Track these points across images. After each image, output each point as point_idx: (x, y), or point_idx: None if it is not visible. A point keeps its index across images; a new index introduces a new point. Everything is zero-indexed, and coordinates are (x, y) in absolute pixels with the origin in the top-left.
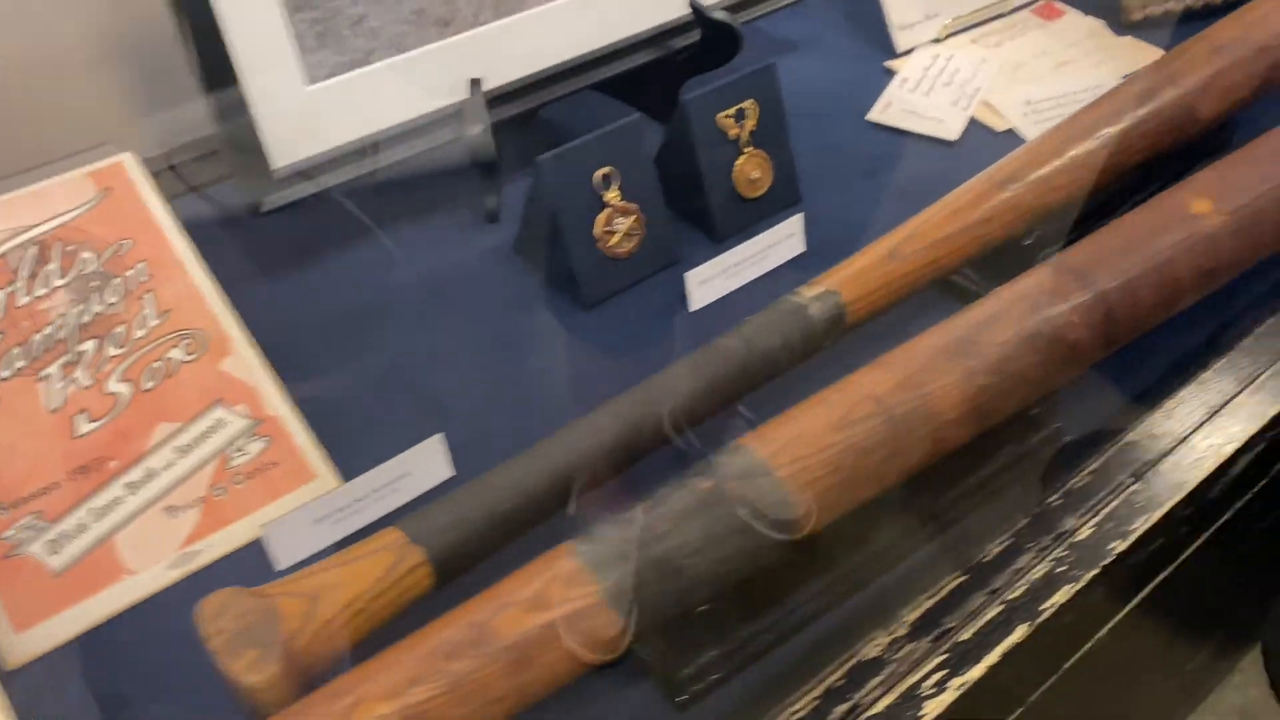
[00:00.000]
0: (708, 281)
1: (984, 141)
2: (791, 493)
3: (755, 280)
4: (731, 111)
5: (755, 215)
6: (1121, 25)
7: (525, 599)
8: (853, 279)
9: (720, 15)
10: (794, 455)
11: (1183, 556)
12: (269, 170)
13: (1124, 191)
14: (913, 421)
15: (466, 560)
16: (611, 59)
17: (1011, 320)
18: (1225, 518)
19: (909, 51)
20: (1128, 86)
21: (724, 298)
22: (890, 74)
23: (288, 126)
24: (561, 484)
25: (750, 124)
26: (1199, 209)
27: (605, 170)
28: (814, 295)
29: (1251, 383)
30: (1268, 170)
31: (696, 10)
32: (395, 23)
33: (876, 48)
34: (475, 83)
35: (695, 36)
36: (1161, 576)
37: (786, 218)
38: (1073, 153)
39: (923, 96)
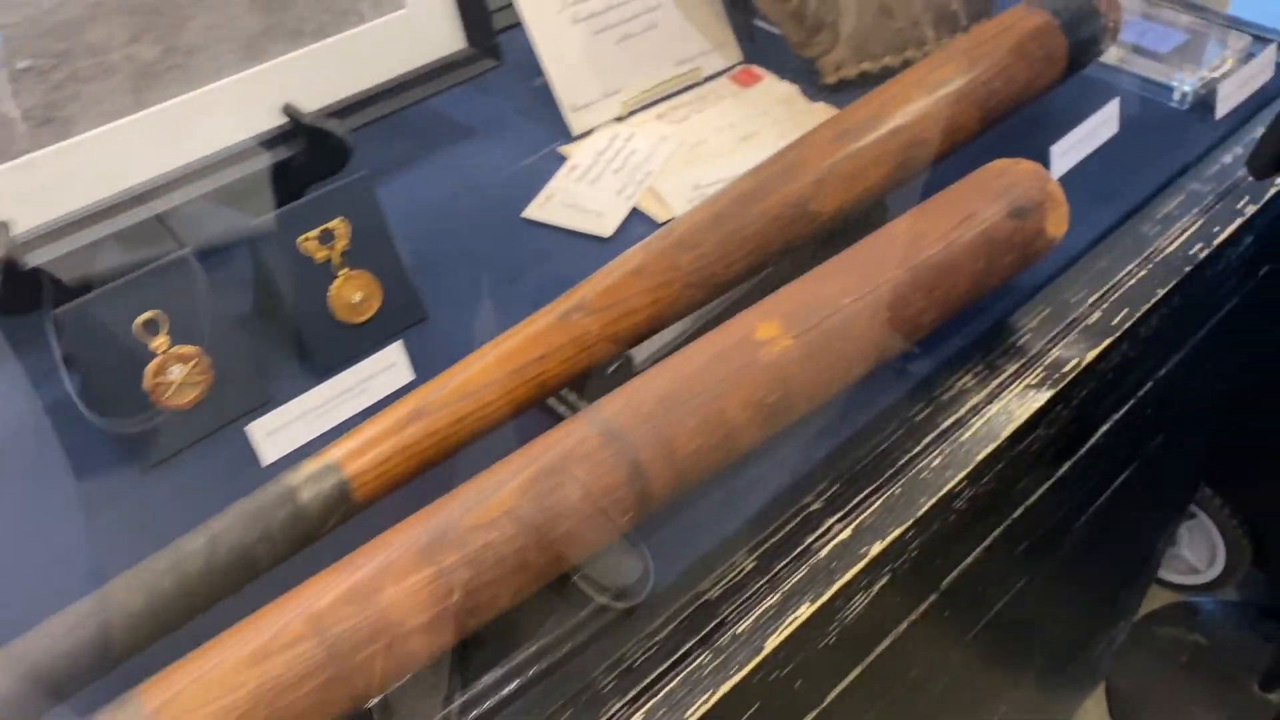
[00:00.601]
0: (284, 429)
1: (642, 236)
2: None
3: (356, 416)
4: (315, 233)
5: (368, 340)
6: (818, 89)
7: None
8: (362, 449)
9: (321, 121)
10: (192, 703)
11: None
12: None
13: (719, 310)
14: (358, 639)
15: None
16: (206, 174)
17: (507, 496)
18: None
19: (589, 133)
20: (738, 183)
21: (315, 443)
22: (564, 161)
23: None
24: None
25: (341, 244)
26: (765, 333)
27: (149, 315)
28: (310, 473)
29: (850, 509)
30: (845, 285)
31: (293, 118)
32: None
33: (560, 130)
34: (1, 226)
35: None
36: None
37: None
38: (658, 268)
39: (588, 186)
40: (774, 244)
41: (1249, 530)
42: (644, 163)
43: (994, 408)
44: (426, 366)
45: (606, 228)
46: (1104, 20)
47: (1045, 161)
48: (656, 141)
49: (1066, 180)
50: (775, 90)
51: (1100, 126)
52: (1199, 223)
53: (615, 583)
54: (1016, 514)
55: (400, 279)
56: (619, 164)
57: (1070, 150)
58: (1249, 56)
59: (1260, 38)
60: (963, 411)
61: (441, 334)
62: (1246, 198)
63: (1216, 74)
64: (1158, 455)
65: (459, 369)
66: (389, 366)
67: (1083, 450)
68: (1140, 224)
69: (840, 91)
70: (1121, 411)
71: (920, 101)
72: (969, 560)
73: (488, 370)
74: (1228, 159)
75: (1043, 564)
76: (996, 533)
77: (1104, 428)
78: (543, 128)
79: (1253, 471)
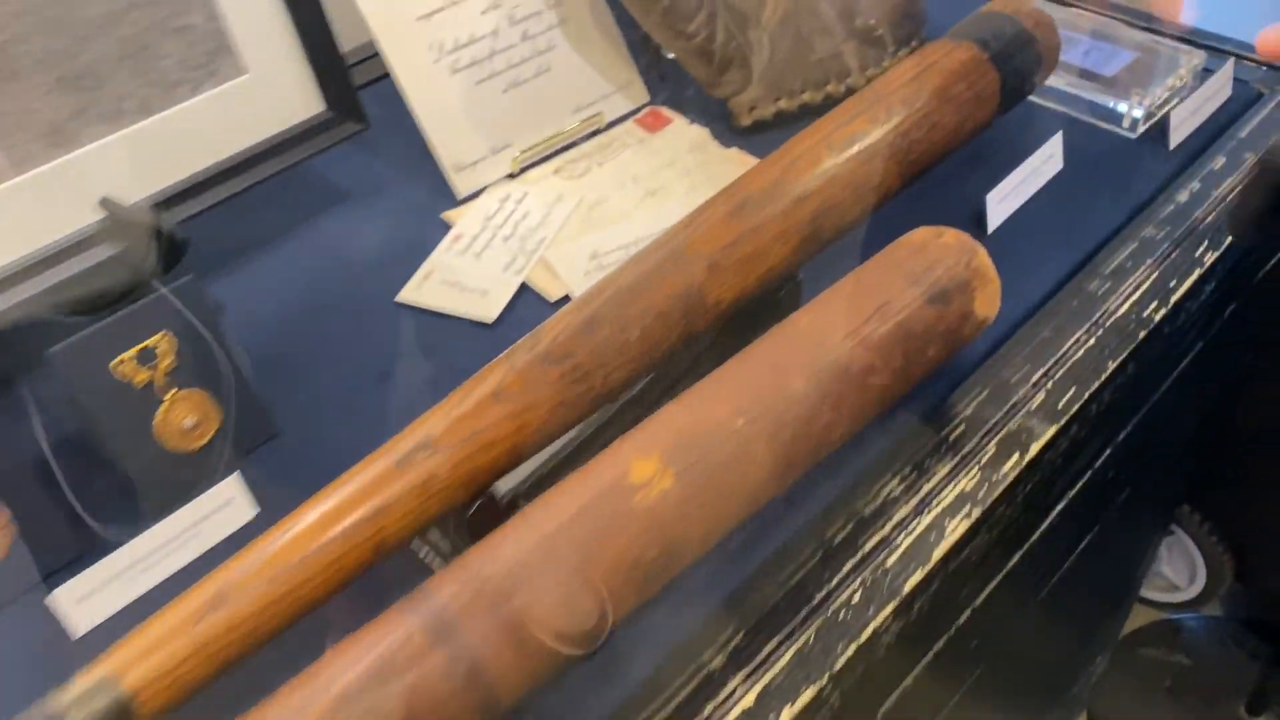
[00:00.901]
0: (98, 593)
1: (532, 320)
2: None
3: (188, 568)
4: (132, 354)
5: (207, 470)
6: (733, 131)
7: None
8: (147, 652)
9: (142, 215)
10: None
11: None
12: None
13: (602, 420)
14: None
15: None
16: (5, 287)
17: None
18: None
19: (478, 194)
20: (617, 277)
21: (138, 606)
22: (449, 229)
23: None
24: None
25: (166, 362)
26: (642, 473)
27: None
28: (82, 692)
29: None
30: (738, 404)
31: (111, 213)
32: None
33: (445, 192)
34: None
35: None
36: None
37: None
38: (522, 388)
39: (473, 260)
40: (663, 344)
41: (1229, 545)
42: (537, 228)
43: (923, 522)
44: (278, 495)
45: (491, 310)
46: (1040, 48)
47: (981, 210)
48: (552, 202)
49: (1004, 231)
50: (685, 135)
51: (1043, 165)
52: (1153, 276)
53: (570, 629)
54: (961, 620)
55: (244, 393)
56: (509, 230)
57: (1009, 196)
58: (1205, 74)
59: (1216, 50)
60: (888, 529)
61: (296, 452)
62: (1206, 243)
63: (1169, 95)
64: (1126, 506)
65: (270, 537)
66: (226, 503)
67: (1034, 538)
68: (1088, 280)
69: (757, 133)
70: (1076, 488)
71: (829, 162)
72: (907, 682)
73: (307, 537)
74: (1184, 197)
75: (1001, 649)
76: (939, 645)
77: (1059, 507)
78: (426, 190)
79: (1231, 486)
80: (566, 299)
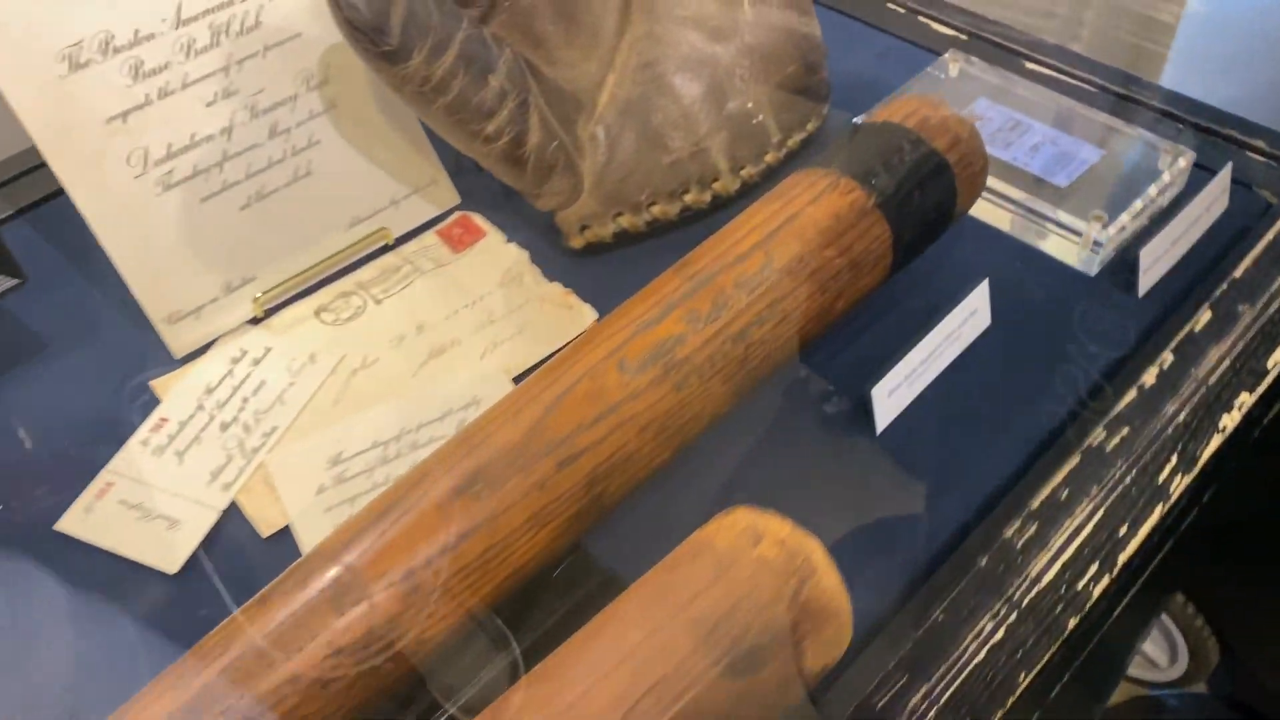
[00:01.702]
0: None
1: (233, 568)
2: None
3: None
4: None
5: None
6: (563, 251)
7: None
8: None
9: None
10: None
11: None
12: None
13: None
14: None
15: None
16: None
17: None
18: None
19: (206, 349)
20: (253, 615)
21: None
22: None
23: None
24: None
25: None
26: None
27: None
28: None
29: None
30: None
31: None
32: None
33: (163, 350)
34: None
35: None
36: None
37: None
38: None
39: (174, 461)
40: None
41: (1215, 630)
42: (271, 408)
43: None
44: None
45: (173, 556)
46: (957, 180)
47: (865, 398)
48: (302, 364)
49: (897, 431)
50: (499, 258)
51: (960, 327)
52: (1097, 516)
53: None
54: None
55: None
56: (233, 411)
57: (908, 381)
58: (1197, 170)
59: (1214, 136)
60: None
61: None
62: (1174, 461)
63: (1145, 208)
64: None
65: None
66: None
67: None
68: (1004, 522)
69: (593, 256)
70: None
71: (618, 394)
72: None
73: None
74: (1150, 379)
75: None
76: None
77: None
78: (140, 345)
79: (1215, 568)
80: (286, 532)
